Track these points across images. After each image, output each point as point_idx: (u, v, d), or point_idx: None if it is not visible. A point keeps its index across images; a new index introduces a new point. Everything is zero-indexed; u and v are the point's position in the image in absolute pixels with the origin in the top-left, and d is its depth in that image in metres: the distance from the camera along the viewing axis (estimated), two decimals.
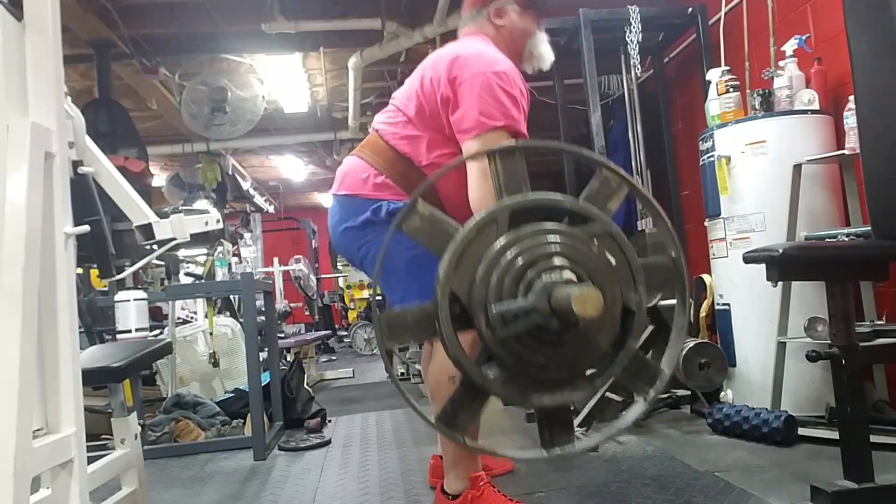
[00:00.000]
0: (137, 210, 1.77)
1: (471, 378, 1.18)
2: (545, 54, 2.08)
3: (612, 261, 1.21)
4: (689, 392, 3.04)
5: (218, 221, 2.00)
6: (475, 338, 1.15)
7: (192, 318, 4.77)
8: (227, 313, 4.83)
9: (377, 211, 1.85)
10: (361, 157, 1.95)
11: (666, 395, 3.12)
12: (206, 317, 4.28)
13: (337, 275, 10.11)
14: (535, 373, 1.19)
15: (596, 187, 1.29)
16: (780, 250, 1.71)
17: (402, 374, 5.39)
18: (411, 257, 1.81)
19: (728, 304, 2.90)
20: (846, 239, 2.36)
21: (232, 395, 3.66)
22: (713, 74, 3.05)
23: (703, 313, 3.14)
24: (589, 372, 1.23)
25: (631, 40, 3.52)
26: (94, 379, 1.84)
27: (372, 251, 1.90)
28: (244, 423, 3.25)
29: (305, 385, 3.90)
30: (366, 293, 8.89)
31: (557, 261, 1.15)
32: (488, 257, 1.17)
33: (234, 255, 6.38)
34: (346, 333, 9.79)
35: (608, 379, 1.24)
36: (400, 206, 1.83)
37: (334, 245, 2.03)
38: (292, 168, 9.03)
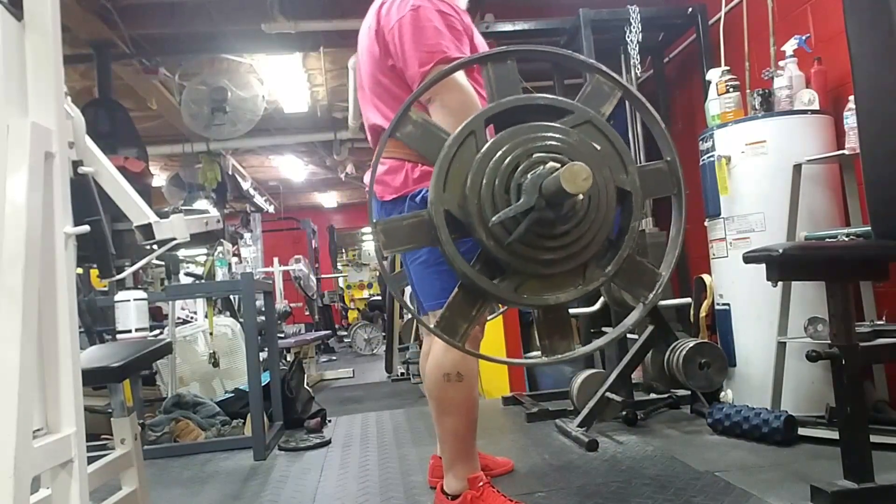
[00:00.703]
0: (137, 210, 1.77)
1: (476, 286, 1.18)
2: None
3: (597, 147, 1.21)
4: (689, 392, 3.04)
5: (218, 221, 2.00)
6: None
7: (192, 318, 4.78)
8: (227, 313, 4.84)
9: (416, 195, 1.84)
10: (391, 157, 1.89)
11: (666, 395, 3.13)
12: (206, 317, 4.28)
13: (337, 275, 10.12)
14: (541, 272, 1.19)
15: (588, 91, 1.29)
16: (780, 250, 1.71)
17: (402, 373, 5.39)
18: (418, 264, 1.82)
19: (728, 304, 2.90)
20: (846, 239, 2.36)
21: (232, 395, 3.67)
22: (713, 74, 3.05)
23: (703, 313, 3.14)
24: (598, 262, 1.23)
25: (631, 40, 3.52)
26: (94, 379, 1.84)
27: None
28: (244, 423, 3.25)
29: (305, 385, 3.90)
30: (366, 293, 8.89)
31: (541, 155, 1.15)
32: (474, 167, 1.17)
33: (234, 255, 6.39)
34: (346, 333, 9.80)
35: (618, 264, 1.23)
36: None
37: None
38: (292, 168, 9.03)
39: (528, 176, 1.13)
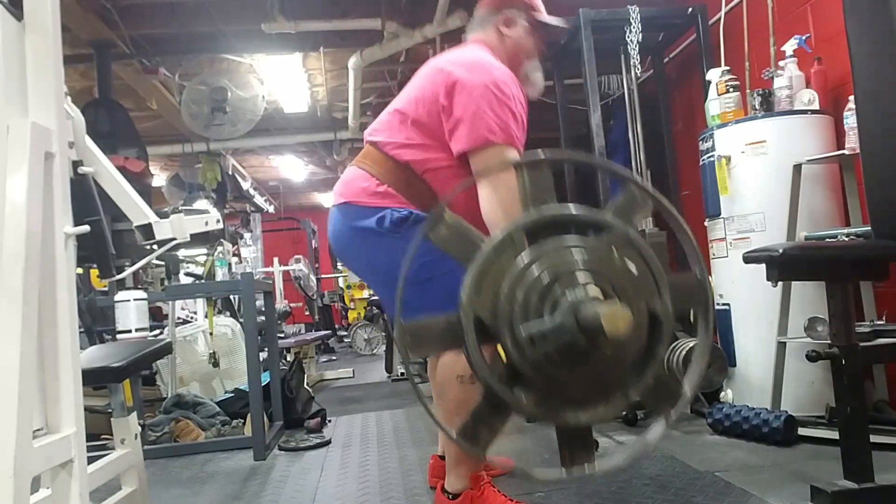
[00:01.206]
0: (137, 210, 1.77)
1: (498, 397, 1.16)
2: (537, 83, 2.06)
3: (634, 269, 1.19)
4: None
5: (218, 221, 2.00)
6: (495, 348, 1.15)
7: (192, 318, 4.78)
8: (227, 313, 4.83)
9: (381, 221, 1.83)
10: (362, 167, 1.93)
11: None
12: (206, 317, 4.28)
13: (337, 275, 10.11)
14: (566, 390, 1.17)
15: (621, 202, 1.28)
16: (780, 250, 1.71)
17: (402, 373, 5.39)
18: (421, 265, 1.81)
19: (728, 304, 2.90)
20: (846, 239, 2.36)
21: (232, 395, 3.66)
22: (713, 74, 3.04)
23: None
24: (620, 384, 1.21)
25: (631, 40, 3.52)
26: (94, 379, 1.84)
27: (377, 261, 1.88)
28: (244, 423, 3.25)
29: (305, 385, 3.90)
30: (366, 293, 8.88)
31: (581, 276, 1.13)
32: (510, 276, 1.16)
33: (234, 255, 6.38)
34: (346, 333, 9.79)
35: (639, 390, 1.21)
36: (404, 214, 1.82)
37: (335, 254, 2.02)
38: (292, 168, 9.03)
39: (567, 294, 1.11)
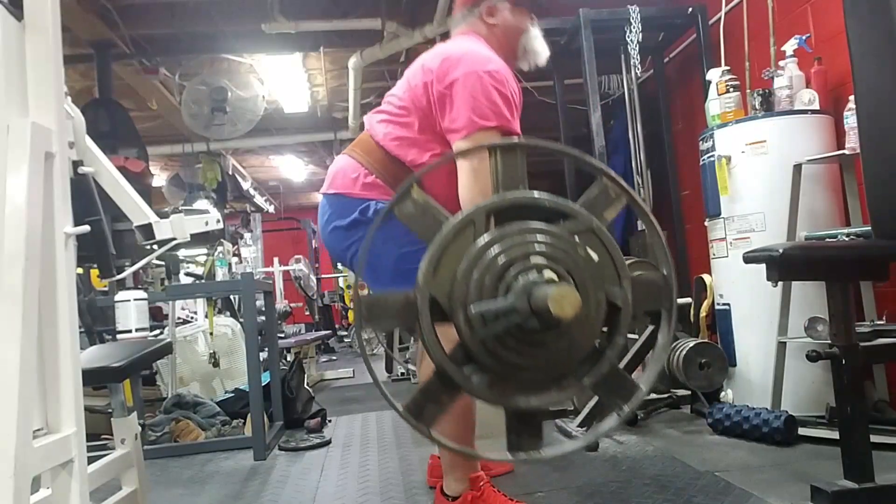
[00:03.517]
0: (137, 210, 1.77)
1: (448, 376, 1.16)
2: (540, 50, 2.05)
3: (595, 256, 1.20)
4: (689, 392, 3.03)
5: (218, 221, 2.00)
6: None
7: (192, 318, 4.77)
8: (228, 313, 4.83)
9: (365, 211, 1.84)
10: (353, 156, 1.94)
11: (666, 395, 3.12)
12: (206, 317, 4.28)
13: (337, 275, 10.10)
14: (517, 374, 1.17)
15: (595, 194, 1.28)
16: (781, 250, 1.71)
17: (402, 373, 5.39)
18: (400, 255, 1.81)
19: (728, 304, 2.90)
20: (846, 239, 2.36)
21: (232, 395, 3.66)
22: (713, 74, 3.04)
23: (703, 313, 3.14)
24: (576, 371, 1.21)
25: (631, 40, 3.52)
26: (94, 379, 1.84)
27: (360, 251, 1.89)
28: (244, 423, 3.25)
29: (305, 385, 3.90)
30: (366, 293, 8.88)
31: (537, 259, 1.14)
32: (468, 257, 1.15)
33: (235, 255, 6.38)
34: (346, 333, 9.78)
35: (594, 379, 1.21)
36: None
37: (324, 243, 2.02)
38: (292, 168, 9.03)
39: (521, 276, 1.12)
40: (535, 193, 1.25)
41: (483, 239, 1.17)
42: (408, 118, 1.87)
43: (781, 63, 2.82)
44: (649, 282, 1.30)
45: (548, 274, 1.11)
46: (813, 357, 1.78)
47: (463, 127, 1.76)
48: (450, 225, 1.19)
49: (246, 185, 8.17)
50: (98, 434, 2.94)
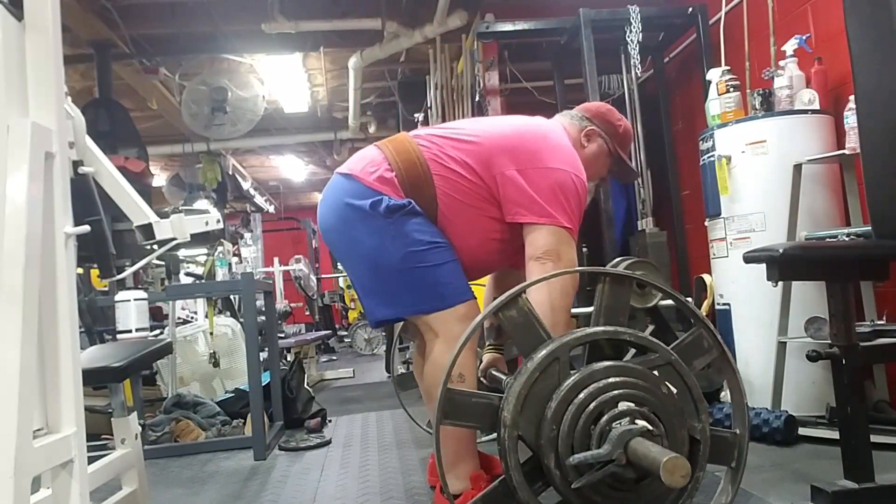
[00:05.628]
0: (137, 210, 1.77)
1: (517, 496, 1.24)
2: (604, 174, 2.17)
3: (674, 390, 1.26)
4: None
5: (218, 221, 2.00)
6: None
7: (192, 318, 4.78)
8: (228, 313, 4.83)
9: (376, 204, 1.83)
10: (381, 149, 1.94)
11: None
12: (206, 317, 4.28)
13: (337, 275, 10.10)
14: None
15: (688, 342, 1.36)
16: (781, 250, 1.71)
17: (403, 373, 5.38)
18: (407, 253, 1.81)
19: (728, 304, 2.89)
20: (846, 239, 2.36)
21: (232, 395, 3.66)
22: (713, 74, 3.04)
23: (703, 313, 3.13)
24: None
25: (631, 40, 3.52)
26: (95, 379, 1.84)
27: (362, 245, 1.87)
28: (244, 423, 3.25)
29: (306, 385, 3.90)
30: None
31: (626, 405, 1.20)
32: (558, 399, 1.22)
33: (235, 255, 6.38)
34: (346, 333, 9.78)
35: None
36: (401, 203, 1.83)
37: (321, 222, 2.00)
38: (292, 168, 9.03)
39: (614, 427, 1.18)
40: (620, 329, 1.33)
41: (572, 380, 1.23)
42: (470, 158, 1.87)
43: (781, 63, 2.82)
44: (721, 437, 1.37)
45: (640, 423, 1.18)
46: (813, 357, 1.78)
47: (543, 215, 1.80)
48: (535, 362, 1.25)
49: (246, 185, 8.17)
50: (98, 434, 2.94)
